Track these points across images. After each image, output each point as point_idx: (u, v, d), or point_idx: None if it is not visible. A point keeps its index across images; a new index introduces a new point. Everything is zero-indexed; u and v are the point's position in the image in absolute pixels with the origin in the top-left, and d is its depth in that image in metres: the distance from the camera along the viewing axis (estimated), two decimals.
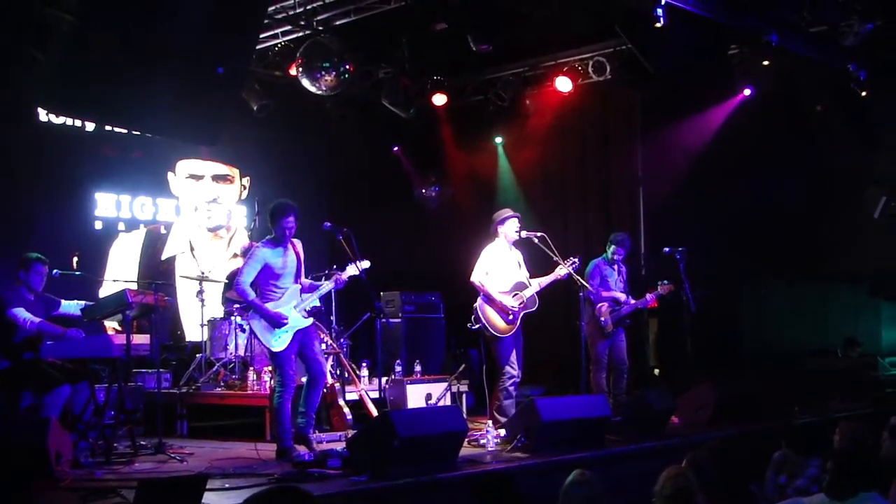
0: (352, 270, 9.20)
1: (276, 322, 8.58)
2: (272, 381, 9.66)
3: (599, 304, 11.02)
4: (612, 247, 11.20)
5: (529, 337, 10.48)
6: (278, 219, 8.67)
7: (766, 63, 12.34)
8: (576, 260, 10.43)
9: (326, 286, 9.10)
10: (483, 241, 10.58)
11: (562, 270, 10.29)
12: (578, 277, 10.48)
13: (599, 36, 12.95)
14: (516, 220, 10.36)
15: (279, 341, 8.60)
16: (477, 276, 10.14)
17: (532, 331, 11.13)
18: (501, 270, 10.25)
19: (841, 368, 13.13)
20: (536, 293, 10.23)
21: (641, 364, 13.52)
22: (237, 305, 11.48)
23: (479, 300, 10.16)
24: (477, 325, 10.14)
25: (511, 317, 10.04)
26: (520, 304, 10.09)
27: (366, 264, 9.27)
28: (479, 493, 5.56)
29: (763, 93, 12.95)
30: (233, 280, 11.76)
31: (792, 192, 13.19)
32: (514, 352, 10.06)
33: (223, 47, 7.80)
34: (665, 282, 11.24)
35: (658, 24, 10.13)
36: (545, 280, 10.33)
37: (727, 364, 12.53)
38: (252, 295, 8.69)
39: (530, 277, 10.42)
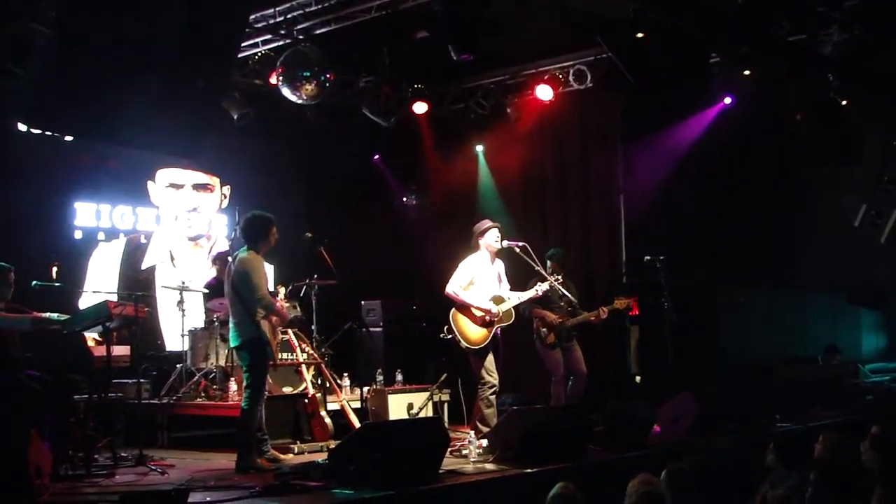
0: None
1: None
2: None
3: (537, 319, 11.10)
4: (549, 262, 11.18)
5: (512, 346, 10.49)
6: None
7: (746, 72, 12.39)
8: (558, 277, 10.47)
9: None
10: (464, 249, 10.59)
11: (542, 287, 10.35)
12: (562, 289, 10.50)
13: (580, 45, 12.97)
14: (497, 230, 10.39)
15: None
16: (452, 287, 10.21)
17: (514, 340, 11.16)
18: (480, 283, 10.29)
19: (822, 376, 13.18)
20: (513, 307, 10.29)
21: (623, 372, 13.58)
22: (217, 314, 11.46)
23: (453, 310, 10.21)
24: (450, 336, 10.20)
25: (488, 320, 10.09)
26: (496, 318, 10.13)
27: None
28: None
29: (742, 102, 13.00)
30: (212, 289, 11.79)
31: (771, 200, 13.25)
32: (491, 360, 10.10)
33: (202, 61, 7.76)
34: (622, 297, 11.35)
35: (639, 35, 10.18)
36: (524, 295, 10.38)
37: (708, 373, 12.56)
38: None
39: (511, 290, 10.47)
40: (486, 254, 10.35)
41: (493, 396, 10.08)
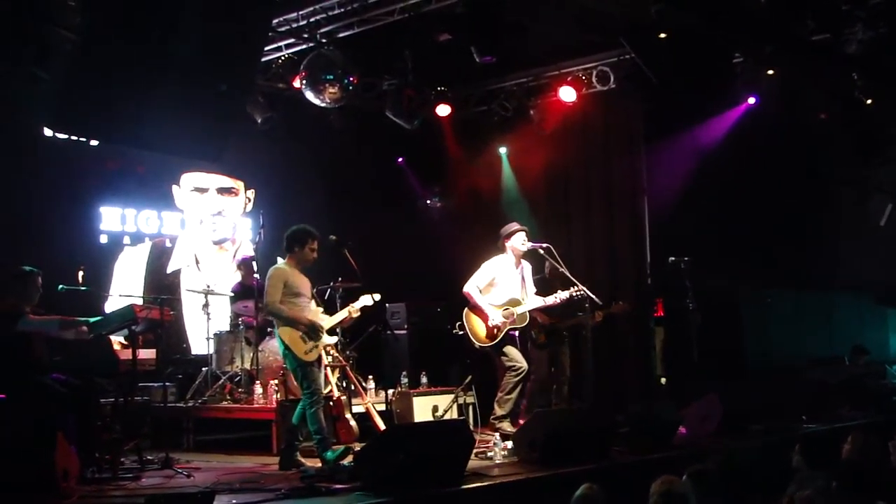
0: (365, 300, 9.40)
1: None
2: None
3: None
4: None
5: None
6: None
7: (769, 72, 12.34)
8: (583, 288, 10.47)
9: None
10: (487, 250, 10.63)
11: (562, 295, 10.40)
12: (586, 290, 10.49)
13: (603, 46, 12.95)
14: (524, 233, 10.46)
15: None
16: (469, 286, 10.39)
17: None
18: (501, 285, 10.36)
19: (848, 377, 13.09)
20: (529, 311, 10.35)
21: (648, 374, 13.55)
22: (243, 318, 11.51)
23: (467, 309, 10.33)
24: (461, 332, 10.35)
25: (495, 331, 10.17)
26: (509, 319, 10.20)
27: (377, 297, 9.66)
28: None
29: (767, 101, 12.94)
30: (238, 293, 11.84)
31: (796, 200, 13.18)
32: (511, 348, 10.30)
33: (226, 64, 7.80)
34: (619, 301, 11.56)
35: (662, 35, 10.16)
36: (544, 300, 10.44)
37: (733, 374, 12.50)
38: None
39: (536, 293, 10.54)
40: (512, 256, 10.42)
41: (519, 381, 10.29)
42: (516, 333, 10.48)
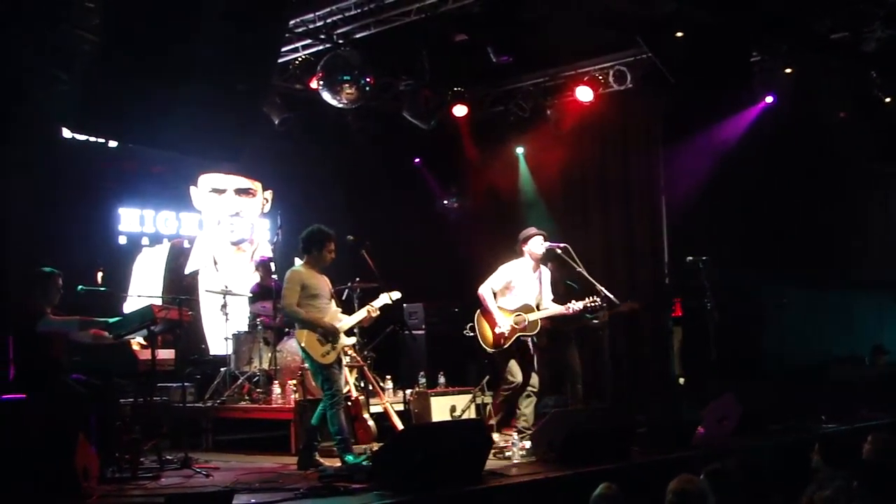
0: (384, 299, 9.38)
1: None
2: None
3: None
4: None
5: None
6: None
7: (787, 71, 12.30)
8: (597, 299, 10.42)
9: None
10: (505, 251, 10.61)
11: (574, 306, 10.36)
12: (604, 290, 10.46)
13: (620, 45, 12.94)
14: (541, 238, 10.41)
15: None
16: (483, 289, 10.37)
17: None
18: (518, 289, 10.34)
19: (869, 377, 13.03)
20: (541, 319, 10.33)
21: (666, 374, 13.53)
22: (261, 318, 11.53)
23: (479, 311, 10.32)
24: (472, 334, 10.37)
25: (501, 339, 10.16)
26: (520, 326, 10.16)
27: (396, 295, 9.57)
28: None
29: (785, 100, 12.90)
30: (256, 294, 11.88)
31: (814, 199, 13.12)
32: (514, 363, 10.19)
33: (244, 64, 7.83)
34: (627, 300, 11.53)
35: (679, 34, 10.15)
36: (551, 312, 10.42)
37: (752, 374, 12.47)
38: None
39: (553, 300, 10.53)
40: (530, 261, 10.37)
41: (509, 396, 10.26)
42: (529, 341, 10.39)
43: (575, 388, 11.31)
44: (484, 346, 10.33)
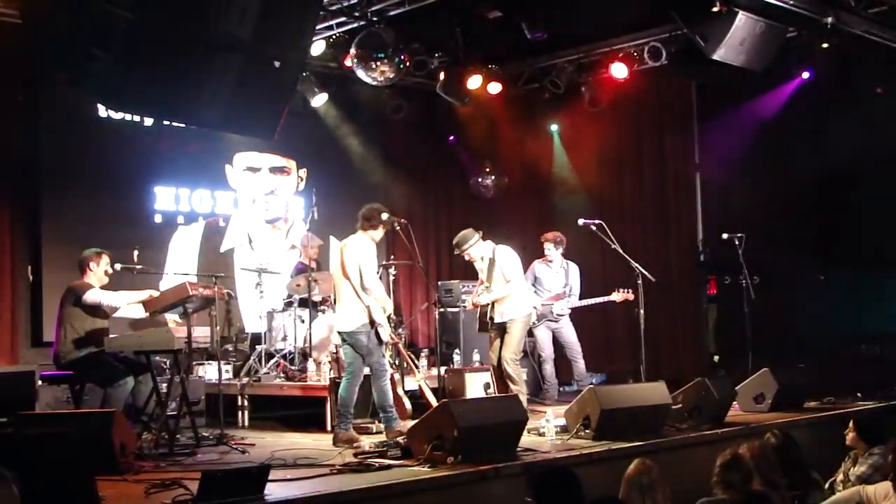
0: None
1: None
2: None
3: None
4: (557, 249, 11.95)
5: (593, 325, 10.49)
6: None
7: (824, 45, 12.18)
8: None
9: None
10: (539, 227, 10.67)
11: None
12: (639, 267, 10.47)
13: (655, 21, 12.84)
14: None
15: None
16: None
17: (595, 319, 11.16)
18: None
19: None
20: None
21: (702, 350, 13.50)
22: (294, 296, 11.56)
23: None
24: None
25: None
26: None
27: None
28: (539, 486, 5.54)
29: (821, 76, 12.78)
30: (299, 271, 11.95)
31: (851, 177, 12.99)
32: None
33: (279, 42, 7.83)
34: (620, 288, 11.80)
35: (715, 9, 10.07)
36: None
37: (787, 351, 12.40)
38: None
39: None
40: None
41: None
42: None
43: (576, 364, 12.10)
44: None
